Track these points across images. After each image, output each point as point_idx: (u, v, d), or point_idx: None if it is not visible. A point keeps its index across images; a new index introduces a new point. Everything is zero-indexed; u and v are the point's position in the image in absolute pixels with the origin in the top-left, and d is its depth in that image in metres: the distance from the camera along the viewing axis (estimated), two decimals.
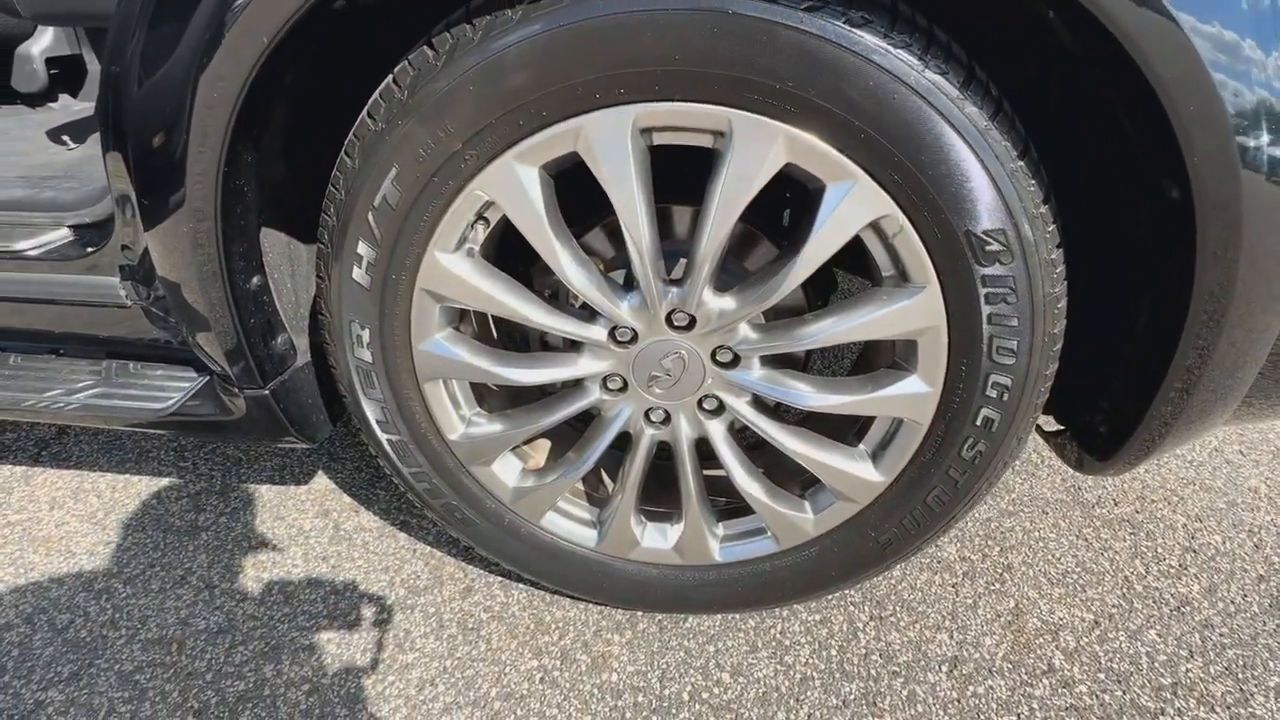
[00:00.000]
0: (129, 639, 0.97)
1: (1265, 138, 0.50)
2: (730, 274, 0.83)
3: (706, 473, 0.89)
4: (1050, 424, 0.89)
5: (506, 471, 0.90)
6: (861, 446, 0.82)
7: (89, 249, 0.87)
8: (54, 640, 0.97)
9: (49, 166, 1.05)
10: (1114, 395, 0.77)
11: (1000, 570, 1.08)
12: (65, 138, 1.16)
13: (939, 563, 1.09)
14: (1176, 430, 0.70)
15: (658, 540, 0.93)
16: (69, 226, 0.92)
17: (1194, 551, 1.12)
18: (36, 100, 1.44)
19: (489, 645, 0.96)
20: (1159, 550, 1.12)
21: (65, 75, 1.46)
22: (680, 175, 0.76)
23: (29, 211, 0.92)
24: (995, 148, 0.57)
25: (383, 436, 0.86)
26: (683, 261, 0.74)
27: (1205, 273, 0.56)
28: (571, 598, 1.01)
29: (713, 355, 0.78)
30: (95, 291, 0.88)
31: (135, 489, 1.24)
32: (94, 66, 1.48)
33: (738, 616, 0.99)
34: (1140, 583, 1.06)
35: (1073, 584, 1.06)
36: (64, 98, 1.47)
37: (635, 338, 0.77)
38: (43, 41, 1.36)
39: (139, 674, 0.92)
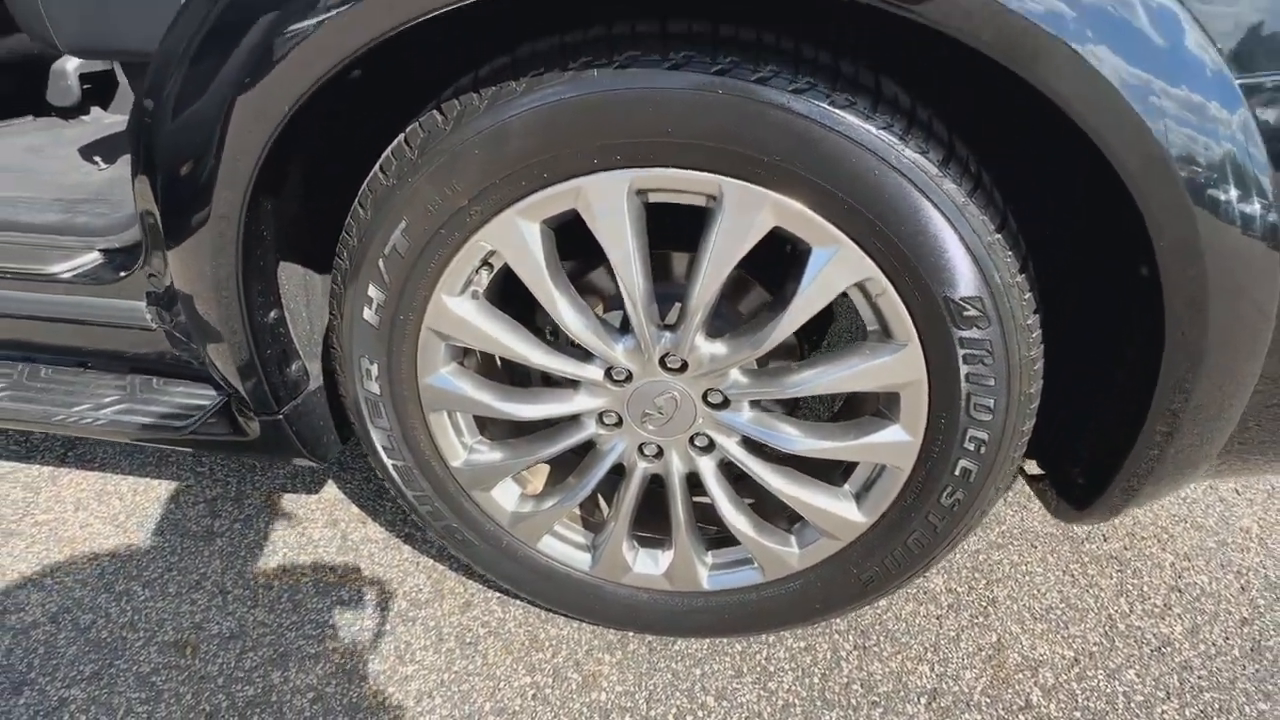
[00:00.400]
0: (146, 641, 1.02)
1: (1234, 216, 0.52)
2: (723, 318, 0.86)
3: (697, 500, 0.92)
4: (1033, 467, 0.91)
5: (506, 497, 0.94)
6: (846, 487, 0.85)
7: (118, 274, 0.92)
8: (77, 640, 1.02)
9: (82, 188, 1.10)
10: (1092, 445, 0.79)
11: (985, 604, 1.10)
12: (97, 158, 1.21)
13: (925, 594, 1.11)
14: (1152, 484, 0.73)
15: (649, 566, 0.97)
16: (100, 250, 0.97)
17: (1179, 591, 1.13)
18: (69, 113, 1.50)
19: (485, 660, 1.00)
20: (1145, 589, 1.14)
21: (97, 89, 1.52)
22: (677, 222, 0.79)
23: (63, 235, 0.97)
24: (972, 222, 0.60)
25: (388, 462, 0.90)
26: (677, 306, 0.77)
27: (1173, 348, 0.59)
28: (565, 616, 1.05)
29: (704, 397, 0.81)
30: (122, 314, 0.93)
31: (155, 493, 1.30)
32: (124, 80, 1.54)
33: (725, 641, 1.03)
34: (1123, 621, 1.08)
35: (1056, 620, 1.08)
36: (95, 110, 1.53)
37: (630, 378, 0.81)
38: (76, 59, 1.41)
39: (155, 676, 0.97)
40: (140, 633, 1.04)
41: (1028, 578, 1.15)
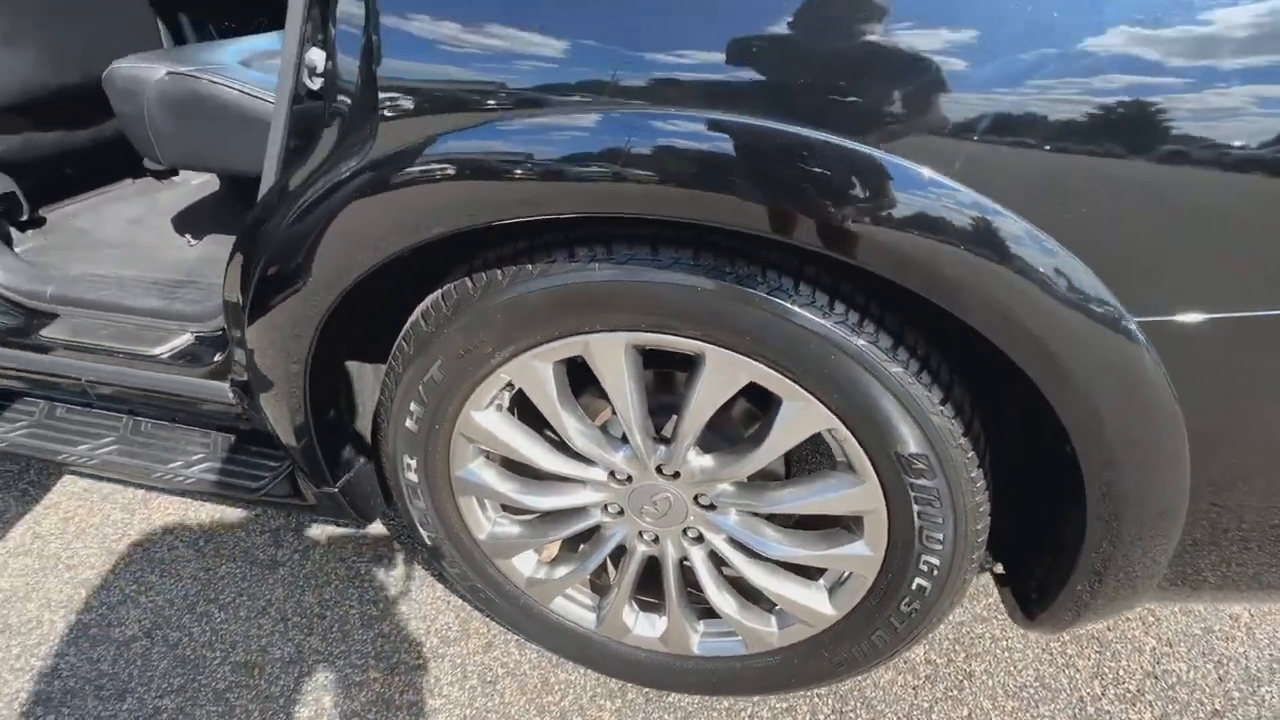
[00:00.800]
0: (222, 660, 1.21)
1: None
2: (715, 429, 0.97)
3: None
4: (999, 567, 0.99)
5: (524, 564, 1.08)
6: (821, 582, 0.95)
7: (207, 358, 1.09)
8: (167, 655, 1.22)
9: (176, 267, 1.28)
10: (1042, 558, 0.87)
11: (961, 677, 1.19)
12: (188, 235, 1.39)
13: (905, 663, 1.20)
14: (1101, 599, 0.80)
15: (647, 629, 1.09)
16: (192, 334, 1.14)
17: (1155, 678, 1.19)
18: (162, 174, 1.70)
19: (502, 699, 1.15)
20: (1120, 672, 1.20)
21: None
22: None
23: (162, 319, 1.15)
24: (917, 397, 0.69)
25: (423, 533, 1.05)
26: (674, 418, 0.88)
27: (1087, 458, 0.66)
28: (574, 664, 1.19)
29: (695, 499, 0.92)
30: (209, 392, 1.10)
31: (229, 520, 1.49)
32: None
33: (713, 698, 1.14)
34: (1094, 704, 1.15)
35: (1028, 698, 1.15)
36: (184, 172, 1.72)
37: (630, 479, 0.93)
38: None
39: (229, 692, 1.16)
40: (217, 652, 1.23)
41: (1007, 653, 1.22)
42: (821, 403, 0.74)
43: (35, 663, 1.21)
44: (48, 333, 1.15)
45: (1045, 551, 0.87)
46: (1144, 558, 0.74)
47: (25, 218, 1.37)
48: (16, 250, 1.29)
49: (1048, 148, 0.52)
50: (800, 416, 0.76)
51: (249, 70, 1.09)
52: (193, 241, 1.38)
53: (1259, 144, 0.50)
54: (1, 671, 1.19)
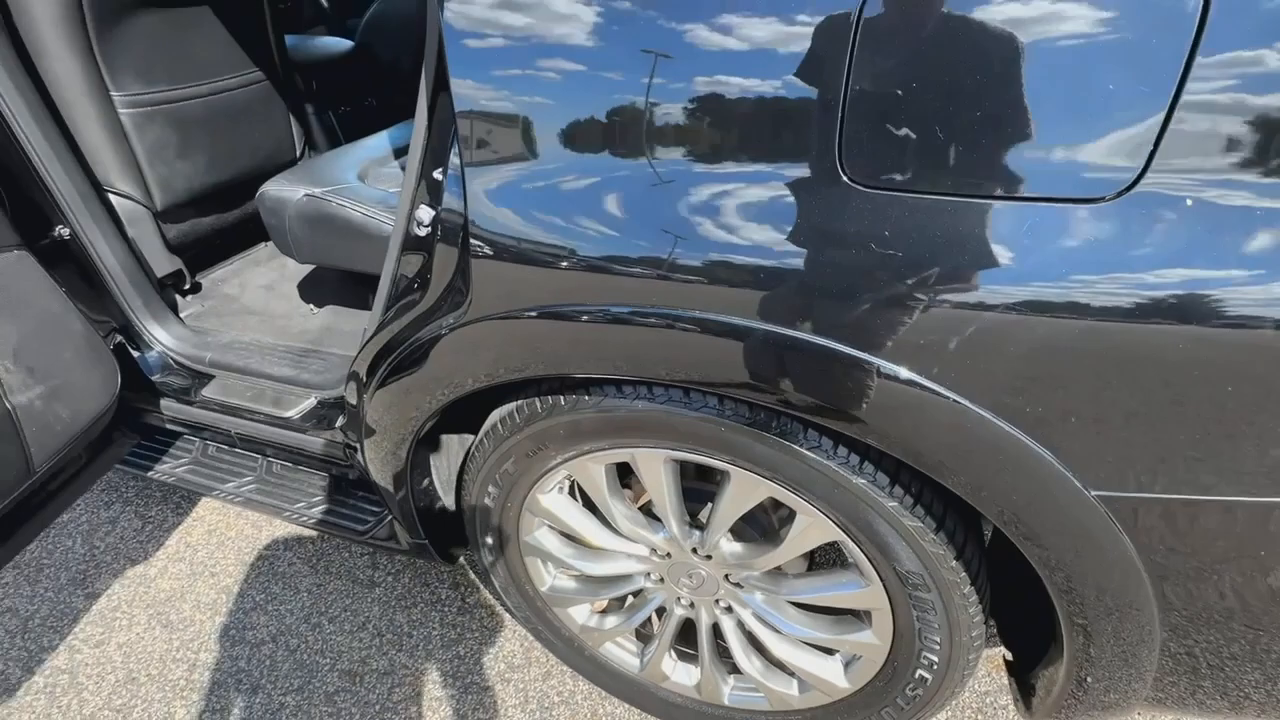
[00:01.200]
0: (331, 666, 1.46)
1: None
2: (745, 519, 1.10)
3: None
4: (1008, 654, 1.07)
5: (578, 613, 1.25)
6: (837, 656, 1.07)
7: (328, 421, 1.32)
8: (288, 658, 1.48)
9: (302, 336, 1.54)
10: (1044, 658, 0.95)
11: None
12: (311, 305, 1.65)
13: None
14: (1087, 710, 0.88)
15: (684, 678, 1.24)
16: (316, 399, 1.38)
17: None
18: None
19: None
20: None
21: None
22: None
23: (293, 385, 1.40)
24: (911, 527, 0.80)
25: (495, 580, 1.24)
26: (709, 506, 1.02)
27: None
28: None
29: (726, 577, 1.06)
30: (329, 450, 1.34)
31: (334, 540, 1.75)
32: None
33: None
34: None
35: None
36: None
37: (669, 555, 1.07)
38: None
39: (337, 696, 1.40)
40: (328, 659, 1.47)
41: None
42: (830, 520, 0.86)
43: (190, 655, 1.50)
44: (207, 392, 1.43)
45: (1045, 648, 0.95)
46: (1125, 675, 0.81)
47: (187, 286, 1.67)
48: (181, 315, 1.58)
49: (1012, 352, 0.63)
50: (812, 528, 0.88)
51: (366, 188, 1.31)
52: (315, 310, 1.64)
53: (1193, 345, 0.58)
54: (166, 662, 1.49)
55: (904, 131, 0.60)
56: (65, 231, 1.28)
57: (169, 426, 1.50)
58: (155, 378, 1.44)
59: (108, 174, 1.41)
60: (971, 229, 0.60)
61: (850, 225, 0.64)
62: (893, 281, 0.63)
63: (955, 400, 0.65)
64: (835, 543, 0.89)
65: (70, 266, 1.33)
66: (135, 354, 1.44)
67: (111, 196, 1.42)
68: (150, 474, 1.50)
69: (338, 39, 2.25)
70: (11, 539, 1.18)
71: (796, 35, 0.61)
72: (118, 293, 1.38)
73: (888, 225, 0.62)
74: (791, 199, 0.66)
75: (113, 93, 1.37)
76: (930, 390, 0.65)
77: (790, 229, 0.66)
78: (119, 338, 1.44)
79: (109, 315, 1.42)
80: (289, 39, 1.88)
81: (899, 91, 0.59)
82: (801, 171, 0.64)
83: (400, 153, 1.55)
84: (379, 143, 1.55)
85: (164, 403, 1.45)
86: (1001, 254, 0.60)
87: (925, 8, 0.57)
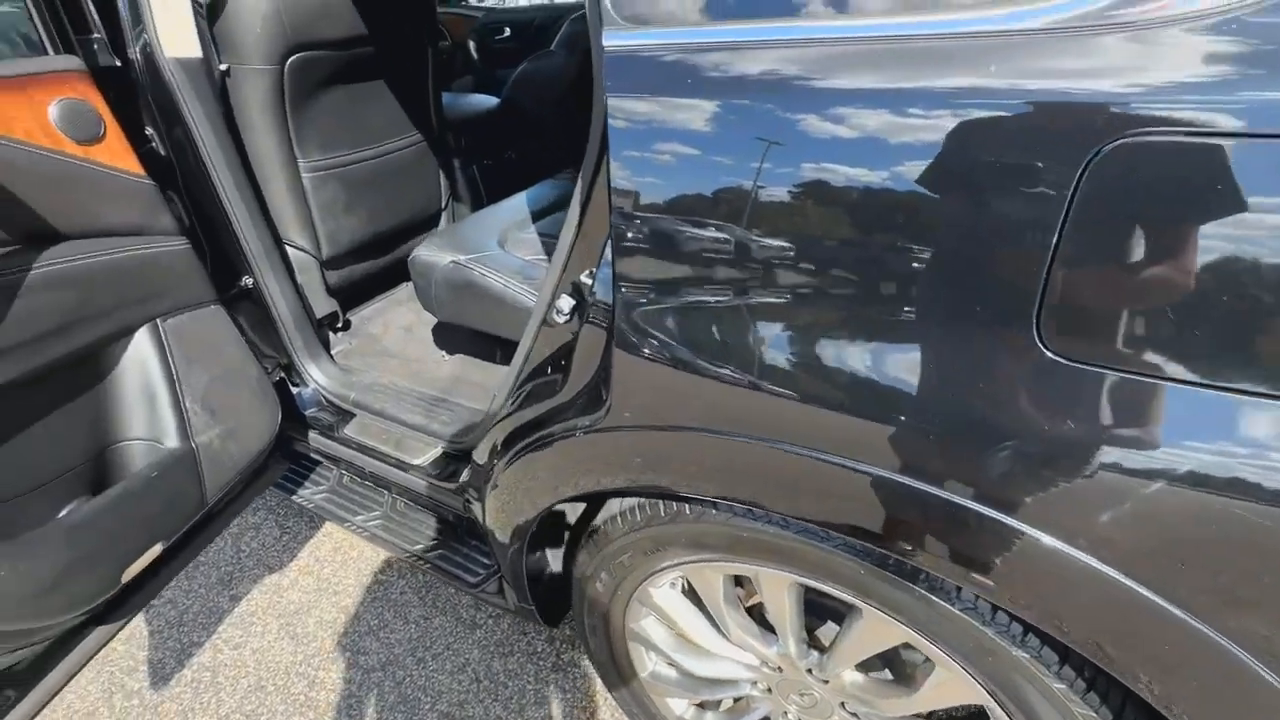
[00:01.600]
0: (431, 705, 1.51)
1: None
2: None
3: None
4: None
5: (676, 704, 1.22)
6: None
7: (452, 476, 1.39)
8: (394, 690, 1.55)
9: (434, 384, 1.63)
10: None
11: None
12: (443, 352, 1.75)
13: None
14: None
15: None
16: (443, 450, 1.45)
17: None
18: None
19: None
20: None
21: None
22: None
23: (422, 434, 1.48)
24: (1078, 713, 0.70)
25: (596, 657, 1.23)
26: (830, 624, 0.96)
27: None
28: None
29: (841, 704, 0.99)
30: (448, 499, 1.40)
31: None
32: None
33: None
34: None
35: None
36: None
37: (781, 670, 1.02)
38: None
39: None
40: (429, 696, 1.53)
41: None
42: (975, 680, 0.77)
43: (310, 671, 1.62)
44: (347, 430, 1.54)
45: None
46: None
47: (340, 325, 1.83)
48: (332, 352, 1.73)
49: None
50: (951, 685, 0.80)
51: (507, 255, 1.38)
52: (446, 357, 1.74)
53: None
54: (290, 674, 1.61)
55: (1114, 308, 0.53)
56: (250, 281, 1.44)
57: (313, 455, 1.64)
58: (308, 412, 1.58)
59: (287, 229, 1.58)
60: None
61: (1039, 394, 0.57)
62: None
63: (1099, 571, 0.56)
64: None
65: (249, 310, 1.50)
66: (294, 389, 1.59)
67: (289, 249, 1.58)
68: (294, 497, 1.65)
69: (487, 96, 2.41)
70: (179, 555, 1.33)
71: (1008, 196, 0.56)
72: (285, 334, 1.53)
73: (1079, 399, 0.56)
74: (984, 362, 0.60)
75: (300, 160, 1.54)
76: (1076, 559, 0.57)
77: (981, 394, 0.61)
78: (281, 374, 1.60)
79: (275, 353, 1.58)
80: (445, 97, 2.03)
81: (1116, 267, 0.52)
82: (993, 335, 0.59)
83: (539, 215, 1.62)
84: (518, 204, 1.63)
85: (312, 435, 1.58)
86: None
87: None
